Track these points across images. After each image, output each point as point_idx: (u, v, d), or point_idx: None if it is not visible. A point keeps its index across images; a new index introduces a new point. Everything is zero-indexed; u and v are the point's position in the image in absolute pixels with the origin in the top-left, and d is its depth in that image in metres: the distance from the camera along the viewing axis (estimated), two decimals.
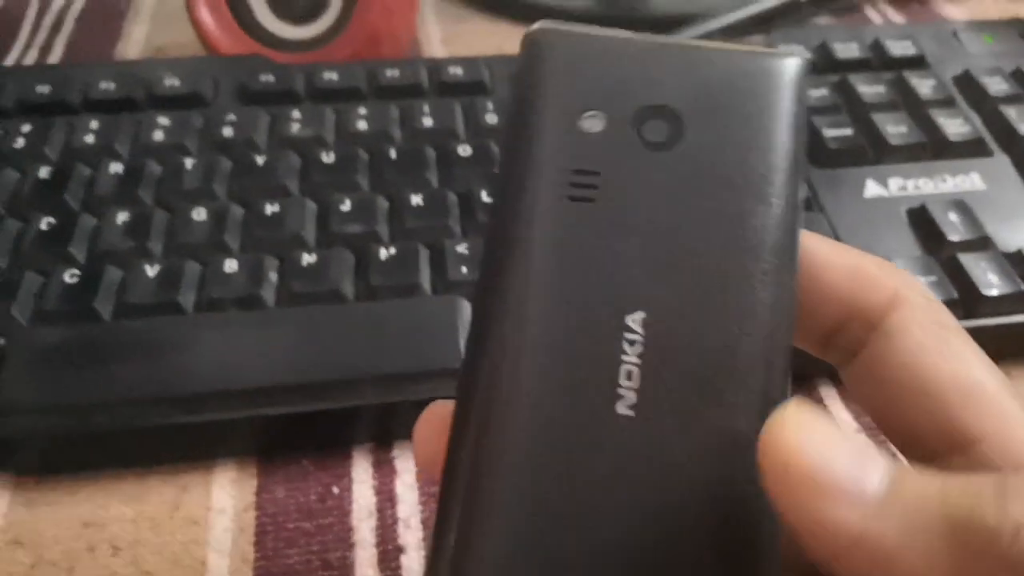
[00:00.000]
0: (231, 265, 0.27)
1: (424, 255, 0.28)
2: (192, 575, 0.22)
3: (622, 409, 0.14)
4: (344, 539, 0.23)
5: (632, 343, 0.14)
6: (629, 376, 0.14)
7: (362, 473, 0.24)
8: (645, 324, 0.14)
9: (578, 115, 0.15)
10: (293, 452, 0.25)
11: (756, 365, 0.14)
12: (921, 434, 0.15)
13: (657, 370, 0.14)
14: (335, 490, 0.24)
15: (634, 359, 0.14)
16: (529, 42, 0.16)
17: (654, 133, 0.15)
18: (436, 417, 0.16)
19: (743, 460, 0.13)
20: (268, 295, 0.27)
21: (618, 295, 0.14)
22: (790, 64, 0.16)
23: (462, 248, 0.28)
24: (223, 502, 0.24)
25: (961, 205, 0.29)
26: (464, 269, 0.27)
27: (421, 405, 0.25)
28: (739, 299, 0.14)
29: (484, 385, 0.14)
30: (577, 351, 0.14)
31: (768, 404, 0.13)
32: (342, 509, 0.24)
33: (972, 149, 0.31)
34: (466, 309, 0.26)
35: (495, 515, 0.14)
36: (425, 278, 0.27)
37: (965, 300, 0.26)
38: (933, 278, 0.27)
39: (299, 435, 0.25)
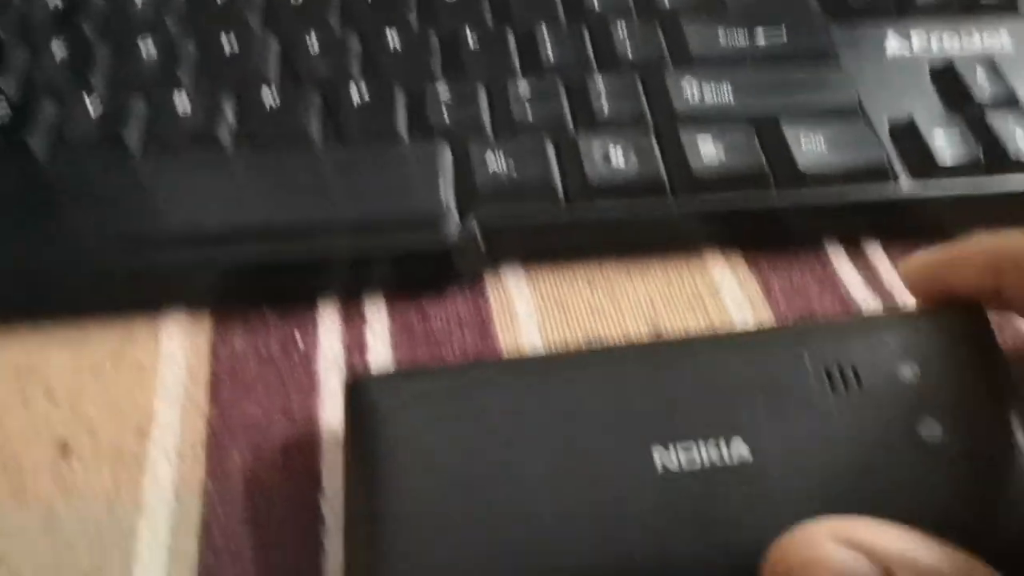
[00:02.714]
0: (182, 102, 0.24)
1: (401, 98, 0.25)
2: (137, 425, 0.20)
3: None
4: (308, 389, 0.21)
5: None
6: None
7: (329, 323, 0.22)
8: None
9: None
10: (253, 302, 0.23)
11: None
12: None
13: None
14: (299, 339, 0.22)
15: None
16: None
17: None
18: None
19: None
20: (224, 136, 0.24)
21: None
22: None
23: (443, 91, 0.25)
24: (172, 350, 0.21)
25: (989, 63, 0.26)
26: (446, 114, 0.24)
27: (395, 257, 0.23)
28: None
29: None
30: None
31: None
32: (307, 359, 0.21)
33: (1002, 5, 0.28)
34: (446, 156, 0.24)
35: None
36: (402, 123, 0.24)
37: (990, 159, 0.24)
38: (956, 135, 0.25)
39: (260, 285, 0.22)
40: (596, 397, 0.18)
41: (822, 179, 0.23)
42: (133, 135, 0.24)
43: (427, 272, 0.23)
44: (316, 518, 0.18)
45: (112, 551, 0.17)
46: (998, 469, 0.16)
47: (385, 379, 0.19)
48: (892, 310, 0.21)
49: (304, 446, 0.19)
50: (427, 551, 0.16)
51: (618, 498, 0.16)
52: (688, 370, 0.18)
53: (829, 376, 0.18)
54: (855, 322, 0.20)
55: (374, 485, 0.17)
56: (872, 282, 0.24)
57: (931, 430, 0.17)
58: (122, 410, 0.20)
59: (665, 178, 0.23)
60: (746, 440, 0.17)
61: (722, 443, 0.17)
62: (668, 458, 0.17)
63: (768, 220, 0.24)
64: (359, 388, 0.18)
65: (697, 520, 0.16)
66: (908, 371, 0.18)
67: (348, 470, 0.17)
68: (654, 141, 0.24)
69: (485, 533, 0.16)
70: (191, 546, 0.17)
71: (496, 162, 0.23)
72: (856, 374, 0.18)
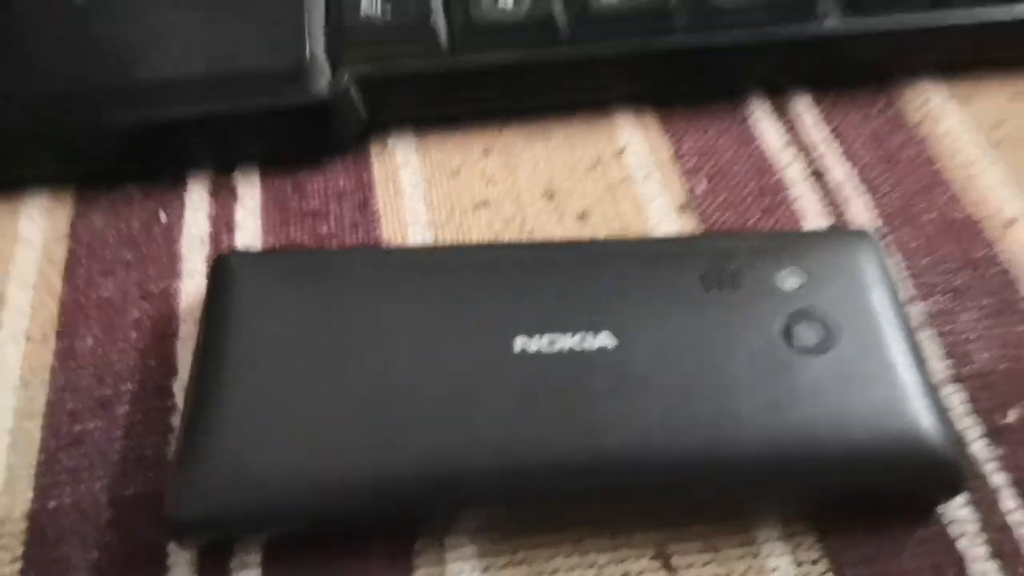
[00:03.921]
0: None
1: None
2: None
3: None
4: (170, 268, 0.19)
5: None
6: None
7: (197, 199, 0.21)
8: None
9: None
10: (117, 179, 0.21)
11: None
12: None
13: None
14: (163, 217, 0.20)
15: None
16: None
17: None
18: None
19: None
20: None
21: None
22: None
23: None
24: (31, 231, 0.20)
25: None
26: None
27: (257, 116, 0.21)
28: None
29: None
30: None
31: None
32: (170, 237, 0.20)
33: None
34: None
35: None
36: None
37: None
38: None
39: (119, 152, 0.21)
40: (462, 291, 0.17)
41: (738, 15, 0.21)
42: None
43: (299, 136, 0.21)
44: (166, 401, 0.17)
45: None
46: (869, 385, 0.16)
47: (249, 257, 0.18)
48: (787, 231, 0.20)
49: (160, 327, 0.18)
50: (261, 432, 0.15)
51: (472, 378, 0.15)
52: (566, 270, 0.17)
53: (706, 278, 0.17)
54: (743, 234, 0.19)
55: (216, 360, 0.16)
56: (794, 139, 0.22)
57: (805, 337, 0.16)
58: None
59: (562, 19, 0.21)
60: (614, 332, 0.16)
61: (589, 335, 0.16)
62: (528, 344, 0.16)
63: (677, 65, 0.21)
64: (221, 265, 0.17)
65: (550, 398, 0.15)
66: (790, 280, 0.17)
67: (199, 345, 0.16)
68: None
69: (330, 411, 0.15)
70: (35, 431, 0.17)
71: (372, 3, 0.21)
72: (735, 277, 0.17)
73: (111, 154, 0.21)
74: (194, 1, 0.21)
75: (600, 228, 0.20)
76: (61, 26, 0.21)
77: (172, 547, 0.15)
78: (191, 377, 0.16)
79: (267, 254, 0.19)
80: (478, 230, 0.20)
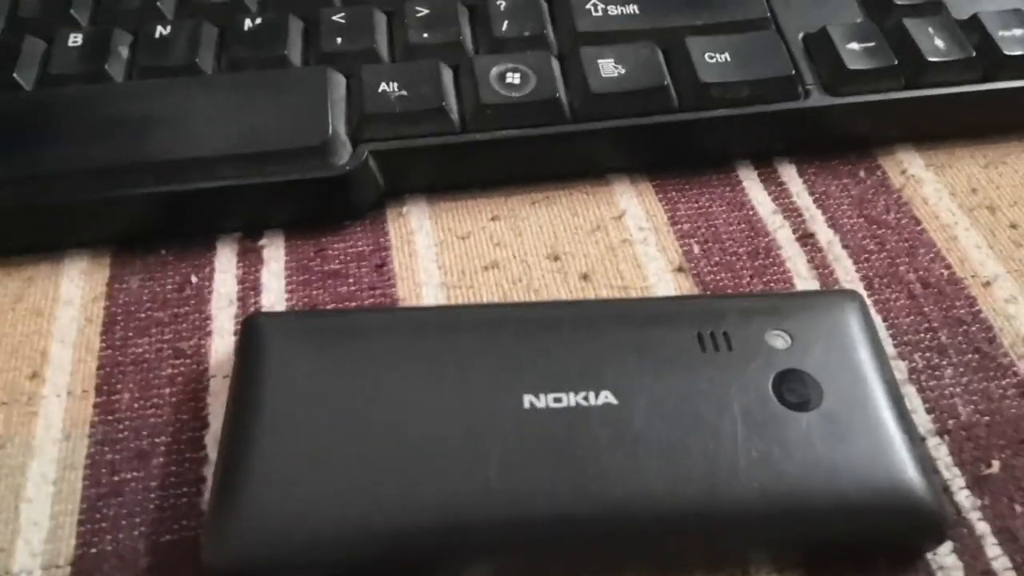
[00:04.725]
0: (74, 38, 0.24)
1: (296, 25, 0.24)
2: (31, 366, 0.20)
3: None
4: (200, 327, 0.21)
5: None
6: None
7: (225, 262, 0.22)
8: None
9: None
10: (152, 243, 0.23)
11: None
12: None
13: None
14: (194, 279, 0.22)
15: None
16: None
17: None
18: None
19: None
20: (116, 70, 0.23)
21: None
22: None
23: (339, 16, 0.24)
24: (71, 293, 0.22)
25: None
26: (340, 39, 0.24)
27: (284, 187, 0.23)
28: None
29: None
30: None
31: None
32: (201, 298, 0.21)
33: None
34: (338, 81, 0.23)
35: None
36: (295, 50, 0.24)
37: (909, 69, 0.23)
38: (871, 44, 0.24)
39: (156, 220, 0.22)
40: (474, 350, 0.18)
41: (727, 94, 0.23)
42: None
43: (321, 204, 0.22)
44: (199, 453, 0.18)
45: (2, 490, 0.18)
46: (855, 438, 0.17)
47: (277, 318, 0.19)
48: (776, 292, 0.21)
49: (193, 383, 0.20)
50: (290, 483, 0.16)
51: (482, 432, 0.17)
52: (570, 330, 0.18)
53: (701, 338, 0.18)
54: (735, 296, 0.21)
55: (247, 415, 0.17)
56: (783, 203, 0.24)
57: (794, 395, 0.17)
58: (19, 354, 0.20)
59: (564, 99, 0.23)
60: (614, 392, 0.17)
61: (591, 394, 0.17)
62: (536, 402, 0.17)
63: (672, 139, 0.23)
64: (250, 326, 0.19)
65: (556, 452, 0.16)
66: (780, 340, 0.18)
67: (231, 401, 0.18)
68: (554, 62, 0.23)
69: (352, 464, 0.16)
70: (76, 482, 0.18)
71: (390, 87, 0.22)
72: (727, 339, 0.18)
73: (148, 222, 0.22)
74: (227, 84, 0.23)
75: (602, 287, 0.22)
76: (104, 106, 0.23)
77: None
78: (223, 431, 0.17)
79: (293, 315, 0.20)
80: (487, 290, 0.22)
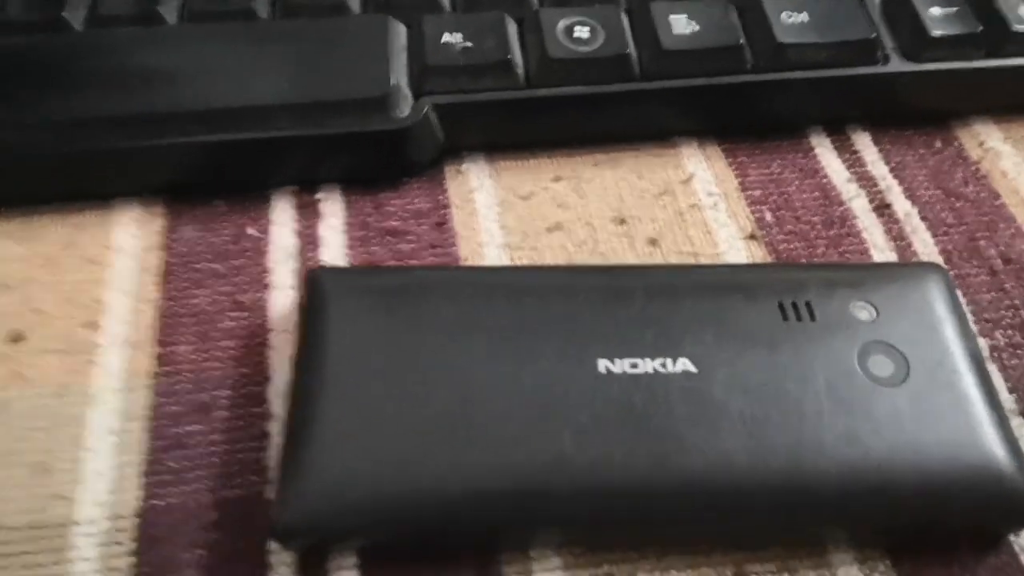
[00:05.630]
0: None
1: None
2: (88, 315, 0.20)
3: None
4: (258, 280, 0.20)
5: None
6: None
7: (282, 215, 0.22)
8: None
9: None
10: (205, 193, 0.22)
11: None
12: None
13: None
14: (250, 231, 0.21)
15: None
16: None
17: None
18: None
19: None
20: (169, 13, 0.23)
21: None
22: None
23: None
24: (125, 242, 0.21)
25: None
26: None
27: (343, 140, 0.22)
28: None
29: None
30: None
31: None
32: (258, 251, 0.21)
33: None
34: (398, 31, 0.22)
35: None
36: None
37: (991, 38, 0.22)
38: (954, 9, 0.22)
39: (210, 171, 0.22)
40: (544, 312, 0.17)
41: (804, 56, 0.22)
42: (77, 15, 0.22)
43: (380, 159, 0.22)
44: (261, 407, 0.18)
45: (62, 439, 0.17)
46: (943, 416, 0.16)
47: (341, 273, 0.19)
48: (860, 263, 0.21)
49: (253, 337, 0.19)
50: (362, 445, 0.16)
51: (556, 397, 0.16)
52: (645, 295, 0.18)
53: (782, 308, 0.17)
54: (815, 265, 0.20)
55: (316, 374, 0.16)
56: (857, 172, 0.23)
57: (880, 369, 0.17)
58: (74, 301, 0.20)
59: (633, 55, 0.22)
60: (693, 360, 0.17)
61: (669, 361, 0.17)
62: (611, 367, 0.17)
63: (744, 101, 0.22)
64: (315, 281, 0.18)
65: (633, 421, 0.16)
66: (865, 312, 0.18)
67: (298, 358, 0.17)
68: (624, 17, 0.22)
69: (421, 428, 0.16)
70: (139, 432, 0.17)
71: (453, 37, 0.22)
72: (810, 308, 0.17)
73: (199, 171, 0.22)
74: (283, 30, 0.22)
75: (671, 253, 0.21)
76: (155, 50, 0.22)
77: (272, 547, 0.16)
78: (292, 388, 0.17)
79: (357, 270, 0.20)
80: (552, 252, 0.21)
